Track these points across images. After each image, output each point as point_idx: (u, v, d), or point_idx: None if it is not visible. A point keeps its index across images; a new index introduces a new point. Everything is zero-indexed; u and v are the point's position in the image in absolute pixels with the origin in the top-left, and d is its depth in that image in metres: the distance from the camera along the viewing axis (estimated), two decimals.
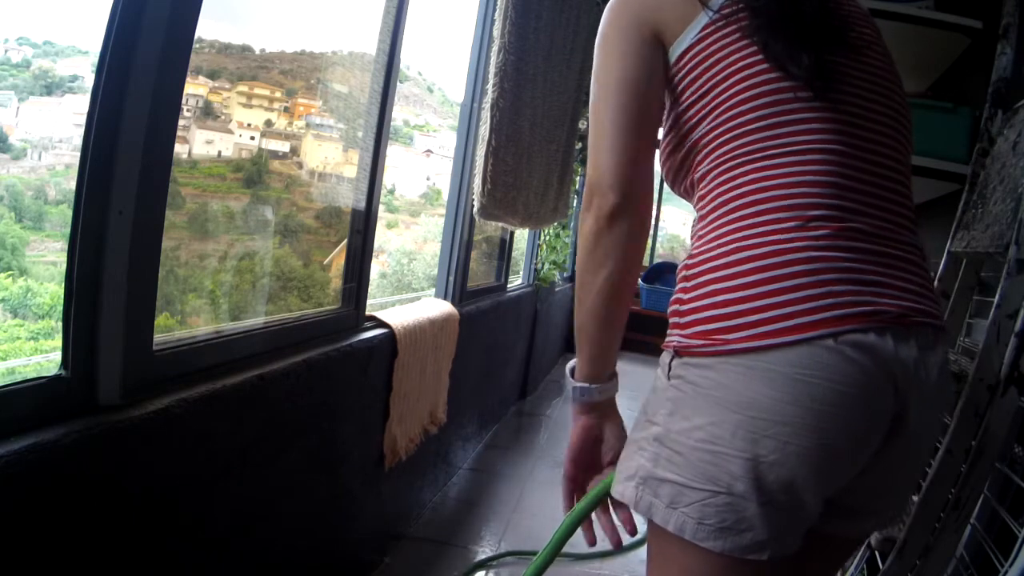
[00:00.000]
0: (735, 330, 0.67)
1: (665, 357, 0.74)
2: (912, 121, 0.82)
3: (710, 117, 0.75)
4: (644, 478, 0.71)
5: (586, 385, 0.83)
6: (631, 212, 0.77)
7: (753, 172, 0.72)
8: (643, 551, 2.15)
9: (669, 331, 0.75)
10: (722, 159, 0.74)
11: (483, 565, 2.05)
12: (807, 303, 0.66)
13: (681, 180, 0.84)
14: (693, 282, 0.73)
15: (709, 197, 0.75)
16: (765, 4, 0.74)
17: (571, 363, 0.85)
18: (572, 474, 0.87)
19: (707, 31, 0.75)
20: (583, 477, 0.88)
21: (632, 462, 0.74)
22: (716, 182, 0.75)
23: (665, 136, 0.85)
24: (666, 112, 0.83)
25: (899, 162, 0.76)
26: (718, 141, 0.75)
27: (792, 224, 0.69)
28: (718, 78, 0.74)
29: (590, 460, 0.87)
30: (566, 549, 2.30)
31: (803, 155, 0.71)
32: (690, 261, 0.75)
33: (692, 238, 0.79)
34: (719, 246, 0.71)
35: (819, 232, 0.68)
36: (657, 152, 0.87)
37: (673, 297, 0.76)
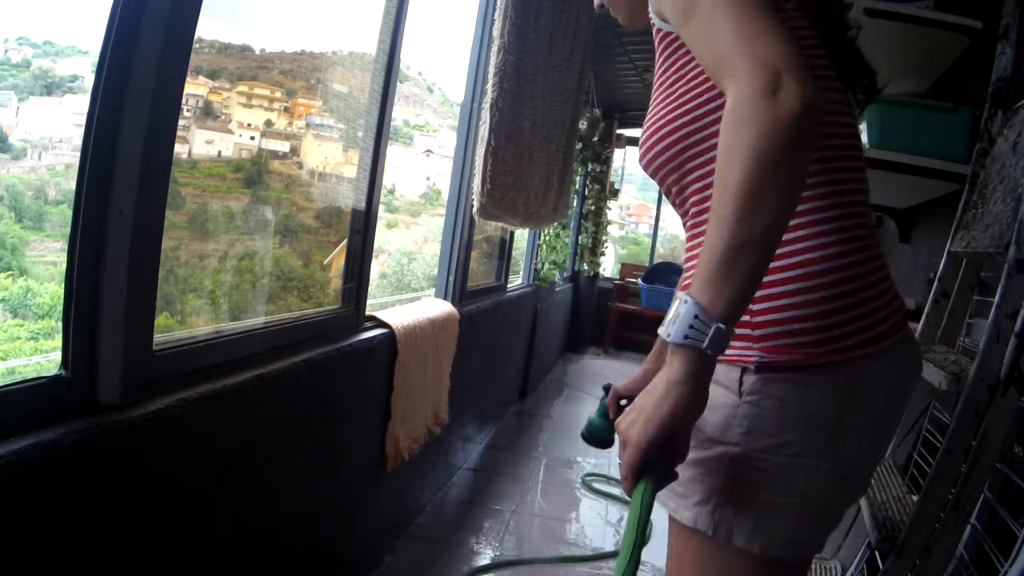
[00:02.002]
0: (828, 343, 0.65)
1: (731, 373, 0.68)
2: None
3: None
4: (721, 502, 0.67)
5: (725, 327, 0.59)
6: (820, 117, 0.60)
7: (831, 183, 0.69)
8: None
9: (733, 344, 0.67)
10: (830, 161, 0.70)
11: (482, 571, 2.05)
12: (882, 310, 0.68)
13: (689, 163, 0.73)
14: (764, 291, 0.67)
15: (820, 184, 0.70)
16: (830, 14, 0.74)
17: (690, 300, 0.60)
18: (648, 451, 0.60)
19: (787, 19, 0.69)
20: (652, 463, 0.62)
21: (702, 485, 0.68)
22: (824, 178, 0.70)
23: (682, 99, 0.73)
24: (685, 67, 0.73)
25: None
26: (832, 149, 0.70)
27: (857, 232, 0.69)
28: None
29: (674, 437, 0.61)
30: (565, 552, 2.30)
31: (853, 162, 0.72)
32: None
33: None
34: (810, 252, 0.67)
35: (869, 241, 0.70)
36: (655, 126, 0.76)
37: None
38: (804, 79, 0.58)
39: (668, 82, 0.76)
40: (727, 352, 0.65)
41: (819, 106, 0.58)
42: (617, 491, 2.80)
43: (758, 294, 0.66)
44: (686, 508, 0.69)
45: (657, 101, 0.77)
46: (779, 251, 0.66)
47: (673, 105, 0.74)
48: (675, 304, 0.61)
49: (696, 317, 0.59)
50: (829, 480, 0.66)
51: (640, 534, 0.60)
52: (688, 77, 0.73)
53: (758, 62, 0.59)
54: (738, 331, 0.66)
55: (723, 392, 0.68)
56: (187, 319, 1.49)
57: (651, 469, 0.60)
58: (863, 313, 0.67)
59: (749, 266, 0.58)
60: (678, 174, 0.75)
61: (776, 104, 0.58)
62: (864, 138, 1.83)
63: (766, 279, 0.66)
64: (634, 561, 0.59)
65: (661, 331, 0.61)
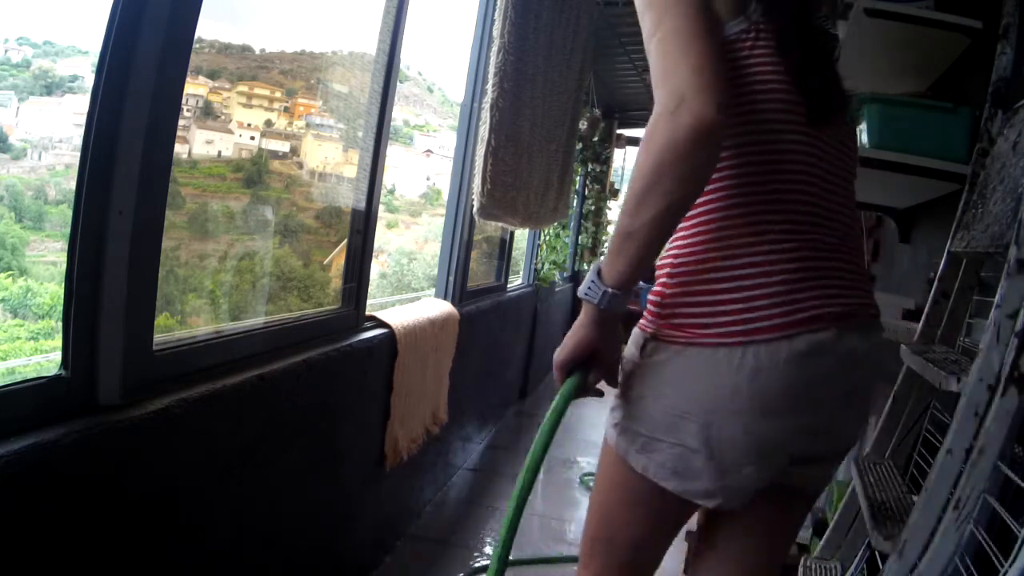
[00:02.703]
0: (708, 327, 0.80)
1: (638, 337, 0.88)
2: (856, 153, 0.94)
3: (740, 128, 0.82)
4: (624, 428, 0.87)
5: (619, 292, 0.79)
6: (725, 132, 0.75)
7: (752, 193, 0.82)
8: None
9: (646, 315, 0.87)
10: (732, 178, 0.82)
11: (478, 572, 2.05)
12: (768, 310, 0.79)
13: None
14: (676, 280, 0.85)
15: (707, 207, 0.84)
16: (794, 29, 0.84)
17: (597, 265, 0.80)
18: (566, 367, 0.86)
19: (744, 34, 0.83)
20: (577, 370, 0.86)
21: (617, 413, 0.89)
22: (719, 197, 0.83)
23: None
24: None
25: (849, 185, 0.90)
26: (733, 158, 0.82)
27: (781, 237, 0.81)
28: (738, 83, 0.82)
29: (588, 357, 0.85)
30: (565, 552, 2.29)
31: (790, 175, 0.82)
32: (675, 260, 0.86)
33: (682, 230, 0.86)
34: (703, 252, 0.83)
35: (786, 246, 0.81)
36: None
37: (655, 288, 0.87)
38: (703, 105, 0.70)
39: None
40: (644, 321, 0.87)
41: (712, 129, 0.71)
42: None
43: (668, 281, 0.85)
44: (608, 427, 0.91)
45: None
46: (681, 249, 0.85)
47: None
48: (591, 269, 0.81)
49: (593, 281, 0.80)
50: (696, 434, 0.81)
51: (557, 417, 0.83)
52: None
53: (670, 88, 0.73)
54: (653, 308, 0.86)
55: (634, 351, 0.87)
56: (187, 319, 1.49)
57: (572, 378, 0.85)
58: (737, 310, 0.79)
59: (633, 249, 0.77)
60: None
61: (673, 125, 0.71)
62: (864, 138, 1.83)
63: (673, 270, 0.85)
64: (547, 434, 0.82)
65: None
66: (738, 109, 0.82)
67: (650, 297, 0.88)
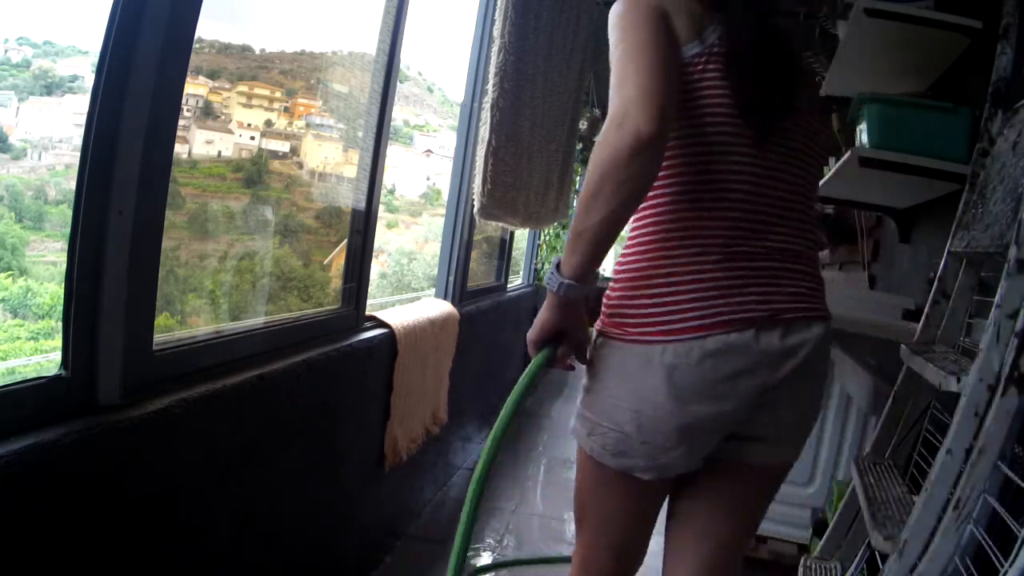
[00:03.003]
0: (640, 326, 0.92)
1: (594, 334, 1.00)
2: (822, 160, 1.04)
3: (674, 146, 0.93)
4: (579, 415, 1.00)
5: (575, 283, 0.91)
6: (664, 143, 0.86)
7: (687, 209, 0.93)
8: None
9: (601, 315, 1.00)
10: (673, 193, 0.94)
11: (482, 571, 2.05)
12: (686, 314, 0.90)
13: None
14: (620, 284, 0.97)
15: (649, 219, 0.95)
16: (745, 54, 0.92)
17: (557, 259, 0.92)
18: (537, 345, 0.98)
19: (697, 58, 0.92)
20: (548, 344, 0.98)
21: (578, 404, 1.01)
22: (660, 210, 0.94)
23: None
24: None
25: (804, 196, 0.98)
26: (676, 173, 0.94)
27: (712, 247, 0.91)
28: (691, 110, 0.92)
29: (555, 336, 0.97)
30: (565, 551, 2.29)
31: (727, 192, 0.92)
32: (618, 267, 0.98)
33: (629, 240, 0.99)
34: (638, 265, 0.95)
35: (730, 253, 0.91)
36: None
37: (607, 291, 0.99)
38: (645, 121, 0.80)
39: None
40: (599, 321, 0.99)
41: (651, 143, 0.81)
42: None
43: (615, 285, 0.97)
44: (574, 415, 1.02)
45: None
46: (627, 257, 0.97)
47: None
48: (552, 262, 0.93)
49: (553, 272, 0.92)
50: (630, 421, 0.93)
51: (527, 383, 0.94)
52: None
53: (619, 103, 0.83)
54: (604, 309, 0.98)
55: (590, 348, 1.00)
56: (187, 319, 1.49)
57: (542, 352, 0.96)
58: (662, 312, 0.91)
59: (584, 247, 0.88)
60: None
61: (617, 137, 0.82)
62: (864, 138, 1.83)
63: (618, 275, 0.97)
64: (516, 401, 0.93)
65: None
66: (682, 126, 0.92)
67: (604, 299, 1.00)
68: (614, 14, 0.92)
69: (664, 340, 0.90)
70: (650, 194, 0.94)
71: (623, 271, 0.97)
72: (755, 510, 1.10)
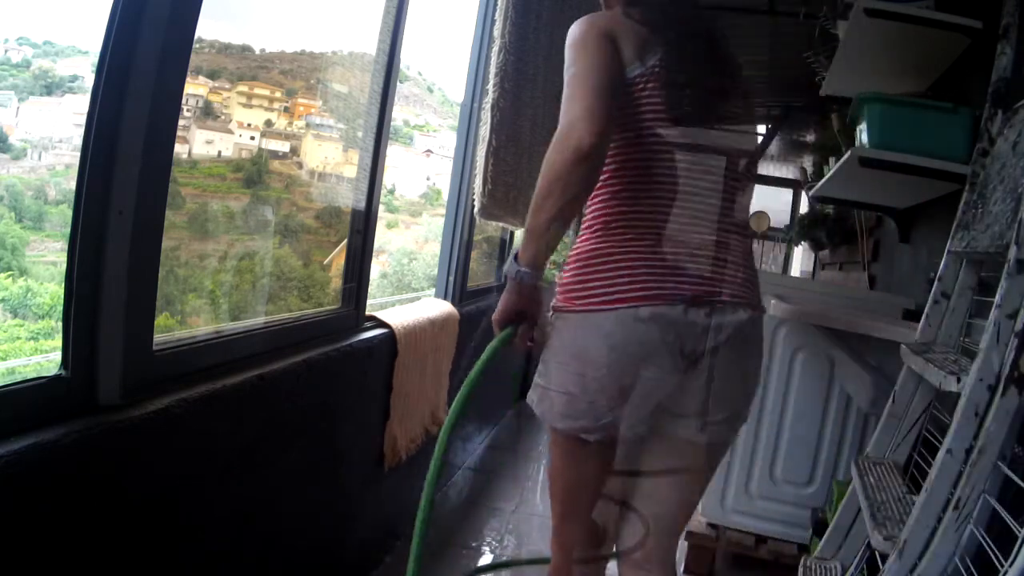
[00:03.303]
0: (586, 298, 1.06)
1: (551, 313, 1.13)
2: (752, 161, 1.20)
3: (635, 144, 1.08)
4: (534, 385, 1.14)
5: (528, 271, 1.07)
6: (603, 155, 1.03)
7: (643, 198, 1.08)
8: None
9: (556, 297, 1.13)
10: (636, 175, 1.08)
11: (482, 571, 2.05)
12: (633, 282, 1.04)
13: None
14: (571, 268, 1.11)
15: (597, 211, 1.11)
16: (679, 76, 1.07)
17: (515, 250, 1.08)
18: (500, 324, 1.13)
19: (639, 78, 1.06)
20: (510, 323, 1.13)
21: (540, 370, 1.15)
22: (606, 204, 1.10)
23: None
24: None
25: (743, 200, 1.15)
26: (626, 164, 1.09)
27: (646, 236, 1.06)
28: (632, 120, 1.07)
29: (518, 316, 1.12)
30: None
31: (658, 195, 1.07)
32: (572, 252, 1.13)
33: (582, 229, 1.13)
34: (586, 248, 1.10)
35: (657, 238, 1.06)
36: None
37: (561, 273, 1.13)
38: (586, 136, 0.96)
39: None
40: (553, 302, 1.12)
41: (589, 155, 0.97)
42: None
43: (568, 270, 1.11)
44: (535, 388, 1.15)
45: None
46: (578, 248, 1.11)
47: None
48: (511, 253, 1.09)
49: (512, 262, 1.07)
50: (575, 382, 1.07)
51: (488, 358, 1.10)
52: None
53: (566, 119, 1.00)
54: (559, 291, 1.11)
55: (551, 325, 1.12)
56: (187, 319, 1.49)
57: (504, 331, 1.11)
58: (604, 286, 1.05)
59: (536, 240, 1.04)
60: None
61: (562, 149, 0.98)
62: (864, 138, 1.83)
63: (571, 263, 1.11)
64: (480, 373, 1.10)
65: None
66: (625, 133, 1.07)
67: (562, 278, 1.13)
68: (570, 36, 1.07)
69: (605, 309, 1.05)
70: (598, 190, 1.10)
71: (575, 254, 1.12)
72: (694, 480, 1.22)
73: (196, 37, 1.01)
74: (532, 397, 1.15)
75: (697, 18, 1.19)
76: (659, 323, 1.03)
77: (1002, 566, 0.92)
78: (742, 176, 1.14)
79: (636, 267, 1.05)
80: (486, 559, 2.10)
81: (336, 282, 1.81)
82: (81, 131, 0.88)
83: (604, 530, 1.25)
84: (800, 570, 1.59)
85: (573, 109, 0.99)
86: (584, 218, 1.13)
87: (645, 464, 1.18)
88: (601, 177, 1.07)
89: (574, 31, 1.08)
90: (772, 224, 6.42)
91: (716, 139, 1.11)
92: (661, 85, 1.06)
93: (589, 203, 1.11)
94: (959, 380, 1.06)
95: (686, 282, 1.05)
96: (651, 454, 1.17)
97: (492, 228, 3.20)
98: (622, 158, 1.09)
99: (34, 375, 0.85)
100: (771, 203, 6.84)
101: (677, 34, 1.11)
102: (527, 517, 2.43)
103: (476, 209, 2.24)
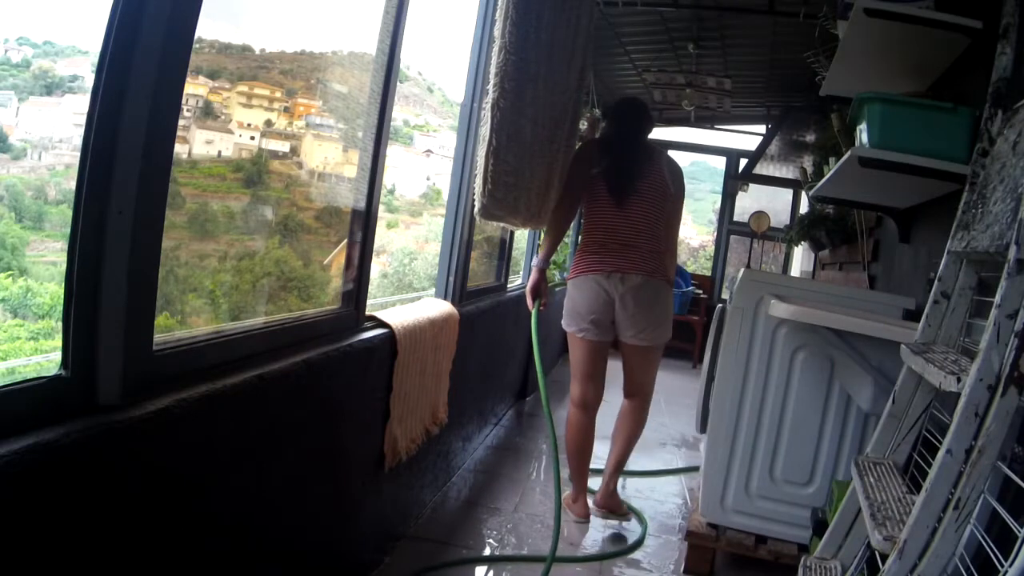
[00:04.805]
0: (577, 271, 2.39)
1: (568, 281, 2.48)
2: (670, 205, 2.47)
3: (593, 202, 2.43)
4: (564, 316, 2.45)
5: (542, 264, 2.43)
6: (572, 214, 2.53)
7: (592, 227, 2.42)
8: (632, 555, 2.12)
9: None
10: (591, 216, 2.44)
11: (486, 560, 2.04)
12: (589, 266, 2.35)
13: (578, 212, 2.70)
14: (575, 258, 2.46)
15: (584, 227, 2.47)
16: (608, 174, 2.39)
17: (537, 247, 3.00)
18: (531, 294, 2.42)
19: (596, 174, 2.41)
20: (535, 298, 2.42)
21: (564, 309, 2.46)
22: (585, 224, 2.46)
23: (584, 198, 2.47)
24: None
25: (651, 226, 2.38)
26: (589, 211, 2.45)
27: (594, 243, 2.39)
28: (594, 191, 2.42)
29: (537, 293, 2.41)
30: (566, 553, 2.30)
31: (607, 225, 2.38)
32: (576, 252, 2.68)
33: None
34: (581, 247, 2.45)
35: (601, 246, 2.36)
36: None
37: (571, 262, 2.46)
38: (567, 206, 2.45)
39: None
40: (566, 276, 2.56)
41: (560, 209, 2.44)
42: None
43: (571, 259, 3.66)
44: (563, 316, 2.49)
45: None
46: (579, 248, 2.49)
47: None
48: (537, 252, 2.60)
49: (535, 255, 2.58)
50: (581, 310, 2.37)
51: (535, 321, 2.42)
52: None
53: (557, 195, 2.42)
54: (571, 271, 2.45)
55: (566, 286, 2.47)
56: (187, 319, 1.49)
57: (536, 303, 2.43)
58: (581, 265, 2.38)
59: (545, 248, 2.49)
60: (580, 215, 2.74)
61: (560, 204, 2.44)
62: (864, 138, 1.83)
63: (574, 256, 2.65)
64: (536, 327, 2.43)
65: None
66: (589, 200, 2.42)
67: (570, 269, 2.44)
68: (574, 159, 2.50)
69: (583, 275, 2.35)
70: (584, 225, 2.46)
71: (577, 253, 2.47)
72: (643, 363, 2.44)
73: (196, 37, 1.01)
74: (565, 322, 2.42)
75: (635, 144, 2.46)
76: (599, 282, 2.32)
77: (1002, 566, 0.92)
78: (658, 211, 2.39)
79: (593, 258, 2.35)
80: (485, 564, 2.10)
81: (336, 282, 1.81)
82: (81, 131, 0.88)
83: (598, 389, 2.48)
84: (800, 570, 1.59)
85: (560, 192, 2.41)
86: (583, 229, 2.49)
87: (623, 354, 2.45)
88: (581, 220, 2.43)
89: (574, 156, 2.50)
90: (772, 224, 6.42)
91: (638, 196, 2.37)
92: (604, 177, 2.38)
93: (576, 233, 2.52)
94: (959, 380, 1.06)
95: (611, 264, 2.31)
96: (624, 351, 2.43)
97: (492, 228, 3.20)
98: (588, 210, 2.43)
99: (34, 375, 0.84)
100: (771, 203, 6.84)
101: (607, 155, 2.42)
102: (527, 517, 2.43)
103: (477, 209, 2.24)
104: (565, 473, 2.54)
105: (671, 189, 2.37)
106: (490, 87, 2.16)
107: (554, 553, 1.98)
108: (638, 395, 2.45)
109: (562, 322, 2.40)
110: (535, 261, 2.40)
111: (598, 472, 2.62)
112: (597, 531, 2.41)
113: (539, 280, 2.36)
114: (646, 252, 2.29)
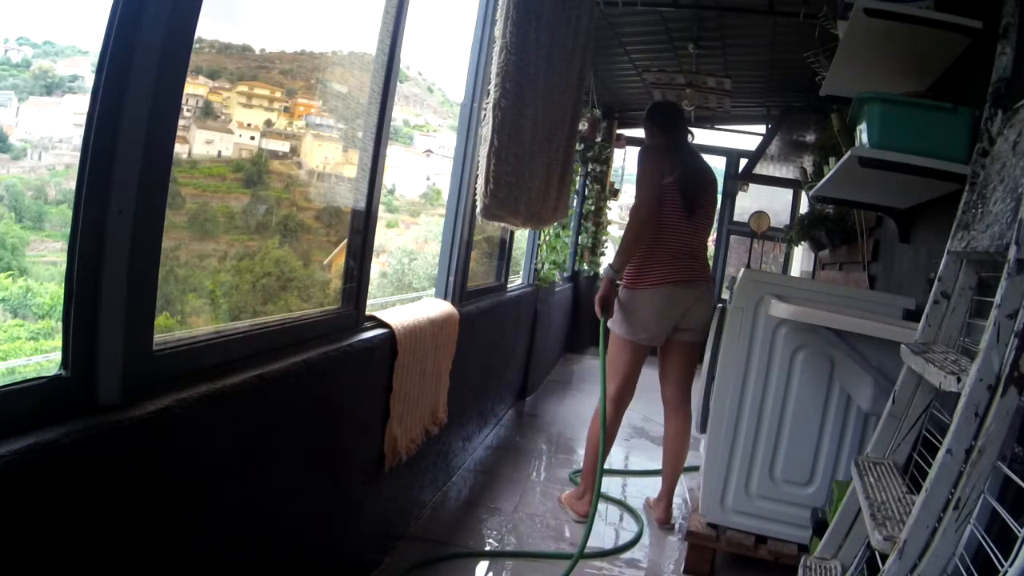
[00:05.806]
0: (644, 281, 2.42)
1: (623, 289, 2.50)
2: (713, 217, 2.72)
3: (664, 212, 2.42)
4: (619, 322, 2.47)
5: (616, 273, 2.42)
6: (652, 224, 2.41)
7: (665, 237, 2.42)
8: (637, 551, 2.14)
9: (625, 280, 2.49)
10: (662, 226, 2.42)
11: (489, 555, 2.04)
12: (662, 274, 2.41)
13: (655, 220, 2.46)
14: (635, 265, 2.45)
15: (649, 244, 2.44)
16: (682, 185, 2.42)
17: (609, 262, 2.46)
18: (600, 302, 2.46)
19: (668, 183, 2.40)
20: (603, 310, 2.47)
21: (616, 318, 2.48)
22: (653, 241, 2.43)
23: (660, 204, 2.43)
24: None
25: (707, 233, 2.60)
26: (663, 221, 2.42)
27: (667, 254, 2.42)
28: (665, 201, 2.42)
29: (605, 304, 2.46)
30: (563, 549, 2.30)
31: (678, 235, 2.44)
32: (637, 260, 2.44)
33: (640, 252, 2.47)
34: (645, 256, 2.44)
35: (672, 256, 2.42)
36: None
37: (629, 269, 2.45)
38: (647, 215, 2.39)
39: None
40: (623, 282, 2.50)
41: (647, 223, 2.39)
42: (612, 491, 2.80)
43: (633, 266, 2.45)
44: (613, 325, 2.50)
45: None
46: (640, 256, 2.44)
47: None
48: (606, 262, 2.82)
49: (608, 266, 2.47)
50: (634, 319, 2.43)
51: (604, 339, 2.53)
52: None
53: (637, 202, 2.43)
54: (627, 277, 2.47)
55: (622, 295, 2.50)
56: (187, 319, 1.49)
57: (602, 318, 2.50)
58: (650, 275, 2.41)
59: (623, 259, 2.42)
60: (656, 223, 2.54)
61: (637, 220, 2.41)
62: (864, 138, 1.83)
63: (636, 262, 2.45)
64: (604, 332, 2.53)
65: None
66: (660, 211, 2.39)
67: (627, 272, 2.45)
68: (639, 154, 2.51)
69: (652, 286, 2.40)
70: (652, 237, 2.41)
71: (639, 260, 2.44)
72: (688, 363, 2.55)
73: (196, 37, 1.01)
74: (620, 328, 2.45)
75: (692, 152, 2.56)
76: (673, 292, 2.40)
77: (1002, 566, 0.92)
78: (709, 224, 2.60)
79: (662, 268, 2.41)
80: (485, 559, 2.10)
81: (336, 282, 1.81)
82: (81, 131, 0.88)
83: (632, 389, 2.53)
84: (800, 570, 1.59)
85: (641, 198, 2.40)
86: (642, 248, 2.45)
87: (667, 355, 2.54)
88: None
89: (641, 152, 2.51)
90: (772, 224, 6.42)
91: (700, 210, 2.47)
92: (677, 187, 2.40)
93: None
94: (959, 380, 1.06)
95: (682, 273, 2.42)
96: (670, 350, 2.52)
97: (492, 228, 3.20)
98: (659, 222, 2.40)
99: (34, 375, 0.84)
100: (771, 203, 6.84)
101: (678, 162, 2.43)
102: (527, 517, 2.43)
103: (478, 209, 2.24)
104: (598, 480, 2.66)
105: (716, 197, 2.68)
106: (491, 87, 2.16)
107: (583, 550, 2.07)
108: (683, 408, 2.53)
109: (613, 327, 2.45)
110: (610, 270, 2.39)
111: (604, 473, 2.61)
112: (596, 529, 2.41)
113: (610, 291, 2.42)
114: (704, 259, 2.51)
